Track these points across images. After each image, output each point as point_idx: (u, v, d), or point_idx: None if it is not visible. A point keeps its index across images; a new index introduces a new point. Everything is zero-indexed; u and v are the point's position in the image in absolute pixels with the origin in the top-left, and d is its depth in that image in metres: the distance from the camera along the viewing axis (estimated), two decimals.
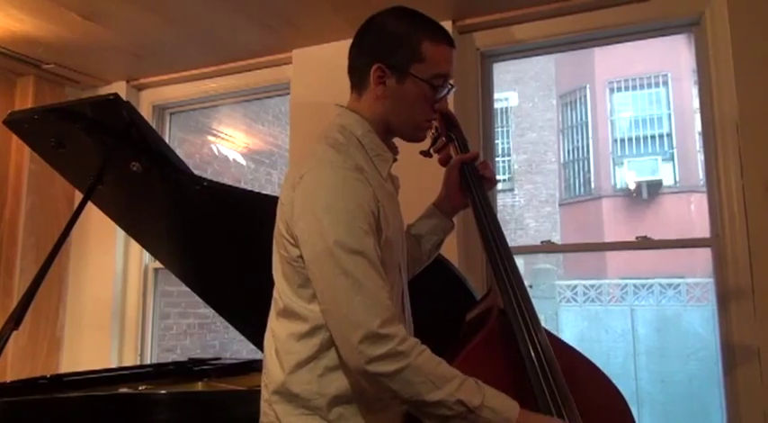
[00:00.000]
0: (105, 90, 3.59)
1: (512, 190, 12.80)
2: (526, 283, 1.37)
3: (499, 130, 12.36)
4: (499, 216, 1.51)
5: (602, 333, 8.58)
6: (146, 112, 3.59)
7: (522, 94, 13.05)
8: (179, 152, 2.26)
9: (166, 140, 3.42)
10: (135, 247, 3.48)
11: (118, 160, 2.04)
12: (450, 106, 1.64)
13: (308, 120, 2.96)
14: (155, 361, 3.42)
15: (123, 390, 2.21)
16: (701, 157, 3.80)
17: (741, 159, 2.30)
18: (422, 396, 1.08)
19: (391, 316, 1.10)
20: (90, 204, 2.17)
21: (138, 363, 3.37)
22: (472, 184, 1.48)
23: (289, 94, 3.15)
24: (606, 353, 8.06)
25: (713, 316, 5.79)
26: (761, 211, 2.23)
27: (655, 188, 10.83)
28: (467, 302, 1.57)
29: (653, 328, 8.31)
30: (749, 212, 2.26)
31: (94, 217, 2.73)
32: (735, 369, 2.28)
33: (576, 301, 9.47)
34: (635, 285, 9.08)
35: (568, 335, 8.44)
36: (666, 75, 11.16)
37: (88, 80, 3.53)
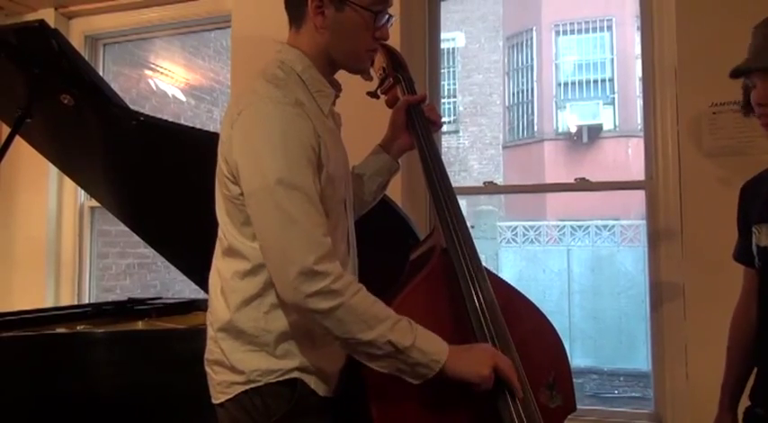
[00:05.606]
0: (31, 17, 3.36)
1: (456, 132, 12.87)
2: (468, 223, 1.39)
3: (445, 71, 12.30)
4: (444, 158, 1.52)
5: (539, 272, 8.90)
6: (77, 42, 3.40)
7: (468, 34, 12.96)
8: (114, 86, 2.16)
9: (100, 73, 3.26)
10: (69, 184, 3.35)
11: (48, 93, 1.94)
12: (397, 46, 1.61)
13: (251, 55, 2.84)
14: (93, 302, 3.36)
15: (60, 330, 2.17)
16: (640, 103, 3.88)
17: (677, 104, 2.36)
18: (353, 335, 1.09)
19: (326, 253, 1.10)
20: (20, 140, 2.06)
21: (76, 304, 3.30)
22: (418, 125, 1.48)
23: (230, 27, 3.03)
24: (543, 291, 8.39)
25: (644, 256, 6.07)
26: (693, 155, 2.31)
27: (595, 132, 11.08)
28: (410, 242, 1.58)
29: (587, 268, 8.68)
30: (682, 156, 2.33)
31: (25, 153, 2.61)
32: (661, 305, 2.41)
33: (515, 241, 9.75)
34: (572, 227, 9.41)
35: (508, 274, 8.70)
36: (611, 19, 11.26)
37: (12, 6, 3.30)
